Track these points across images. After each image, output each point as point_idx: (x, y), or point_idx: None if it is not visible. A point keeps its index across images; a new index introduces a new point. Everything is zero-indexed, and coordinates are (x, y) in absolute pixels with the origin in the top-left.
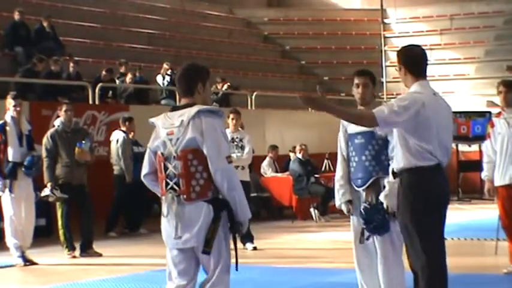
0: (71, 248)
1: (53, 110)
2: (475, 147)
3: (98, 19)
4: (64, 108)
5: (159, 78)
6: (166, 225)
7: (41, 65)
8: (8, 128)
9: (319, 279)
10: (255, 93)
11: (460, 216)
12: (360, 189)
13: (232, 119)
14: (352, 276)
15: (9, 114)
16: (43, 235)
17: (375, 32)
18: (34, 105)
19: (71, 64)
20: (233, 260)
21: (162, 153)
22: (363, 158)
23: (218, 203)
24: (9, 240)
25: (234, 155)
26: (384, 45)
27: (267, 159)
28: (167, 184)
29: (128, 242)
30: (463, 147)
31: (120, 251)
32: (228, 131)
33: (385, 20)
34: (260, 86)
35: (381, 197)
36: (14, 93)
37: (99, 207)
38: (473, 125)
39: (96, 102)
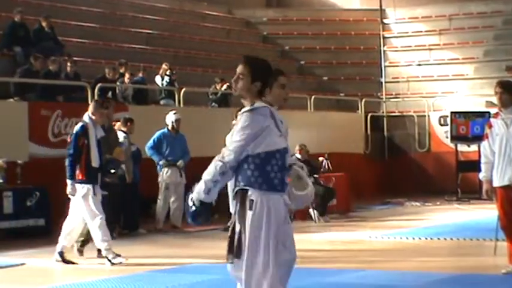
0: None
1: (52, 110)
2: (474, 148)
3: (96, 19)
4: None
5: (157, 79)
6: None
7: (38, 64)
8: (89, 131)
9: (318, 279)
10: None
11: (459, 216)
12: None
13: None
14: (354, 276)
15: (89, 116)
16: (42, 235)
17: (374, 32)
18: (33, 105)
19: (69, 64)
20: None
21: None
22: None
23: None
24: (101, 244)
25: None
26: (383, 46)
27: None
28: None
29: (127, 243)
30: (462, 148)
31: (119, 252)
32: None
33: (384, 20)
34: None
35: None
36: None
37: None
38: (473, 125)
39: None
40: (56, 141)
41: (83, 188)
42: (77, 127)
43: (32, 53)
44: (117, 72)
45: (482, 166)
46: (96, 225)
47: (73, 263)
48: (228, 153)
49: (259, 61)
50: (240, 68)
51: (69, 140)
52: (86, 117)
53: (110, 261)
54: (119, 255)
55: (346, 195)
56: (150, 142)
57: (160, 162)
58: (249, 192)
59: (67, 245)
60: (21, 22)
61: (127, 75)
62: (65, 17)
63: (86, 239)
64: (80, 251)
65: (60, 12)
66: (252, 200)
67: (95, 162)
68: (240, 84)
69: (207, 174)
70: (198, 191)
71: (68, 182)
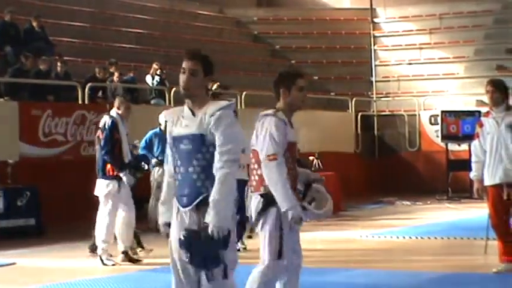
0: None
1: (43, 110)
2: (464, 147)
3: (87, 19)
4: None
5: (148, 78)
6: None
7: (28, 63)
8: (119, 126)
9: (309, 278)
10: (244, 93)
11: (449, 215)
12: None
13: None
14: (345, 275)
15: (116, 112)
16: (33, 235)
17: (365, 32)
18: (23, 105)
19: (59, 64)
20: None
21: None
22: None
23: (268, 197)
24: (100, 243)
25: None
26: (374, 45)
27: None
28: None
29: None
30: (452, 147)
31: (113, 251)
32: None
33: (375, 20)
34: (250, 86)
35: None
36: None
37: (89, 206)
38: (463, 124)
39: (86, 102)
40: (47, 140)
41: (107, 186)
42: (108, 122)
43: (22, 52)
44: (107, 72)
45: (473, 165)
46: (105, 224)
47: (139, 261)
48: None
49: (207, 56)
50: (190, 64)
51: (100, 137)
52: (113, 113)
53: (102, 260)
54: (110, 256)
55: (337, 194)
56: (142, 142)
57: (153, 161)
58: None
59: (127, 244)
60: (12, 22)
61: (116, 74)
62: (56, 16)
63: (93, 243)
64: (92, 250)
65: (50, 11)
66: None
67: (127, 157)
68: (192, 82)
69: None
70: (225, 216)
71: (102, 180)
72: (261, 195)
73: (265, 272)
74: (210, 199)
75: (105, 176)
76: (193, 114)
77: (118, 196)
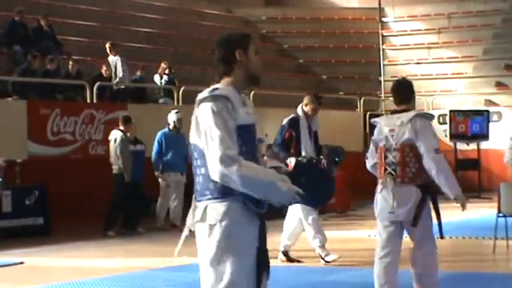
0: None
1: (51, 109)
2: (473, 146)
3: (95, 18)
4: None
5: (156, 77)
6: (382, 201)
7: (36, 63)
8: (300, 122)
9: (316, 278)
10: (252, 92)
11: (457, 215)
12: None
13: None
14: (353, 274)
15: (301, 109)
16: (41, 234)
17: (373, 31)
18: (32, 104)
19: (71, 63)
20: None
21: (384, 146)
22: None
23: (425, 188)
24: (312, 242)
25: None
26: (382, 44)
27: (264, 158)
28: (385, 169)
29: (126, 241)
30: (461, 146)
31: (119, 250)
32: None
33: (383, 19)
34: None
35: None
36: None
37: (97, 206)
38: (471, 124)
39: (94, 101)
40: (55, 139)
41: None
42: (287, 118)
43: (31, 52)
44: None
45: (507, 152)
46: (308, 222)
47: (298, 261)
48: None
49: None
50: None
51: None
52: (298, 109)
53: (323, 259)
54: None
55: (345, 193)
56: (156, 146)
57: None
58: None
59: (290, 244)
60: (21, 21)
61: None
62: (64, 15)
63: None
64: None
65: (59, 11)
66: None
67: (306, 153)
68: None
69: None
70: None
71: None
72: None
73: (436, 252)
74: None
75: None
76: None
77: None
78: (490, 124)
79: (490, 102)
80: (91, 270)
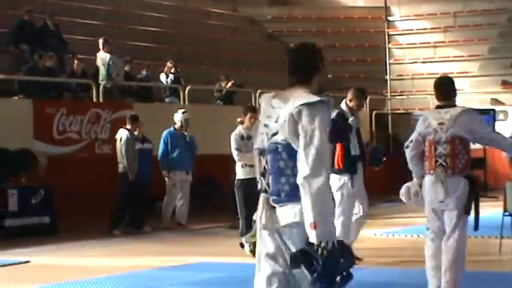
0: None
1: (57, 108)
2: (478, 145)
3: (101, 17)
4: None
5: (162, 76)
6: (432, 190)
7: (42, 62)
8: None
9: None
10: (258, 91)
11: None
12: None
13: (251, 117)
14: (358, 273)
15: (345, 104)
16: (47, 233)
17: (379, 30)
18: (38, 103)
19: (76, 62)
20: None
21: (432, 139)
22: None
23: (472, 179)
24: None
25: (249, 154)
26: (388, 43)
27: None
28: (436, 161)
29: (132, 240)
30: None
31: (124, 249)
32: (240, 128)
33: (389, 18)
34: (264, 84)
35: None
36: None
37: (103, 205)
38: None
39: (101, 100)
40: (61, 138)
41: (339, 180)
42: (333, 115)
43: (37, 51)
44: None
45: None
46: (339, 222)
47: (359, 260)
48: None
49: None
50: None
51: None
52: (342, 105)
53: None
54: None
55: None
56: (162, 145)
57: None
58: None
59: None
60: (30, 21)
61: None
62: (70, 14)
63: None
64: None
65: (65, 9)
66: None
67: (354, 150)
68: None
69: None
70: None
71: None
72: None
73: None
74: None
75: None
76: None
77: (351, 191)
78: (496, 123)
79: (496, 101)
80: (97, 269)
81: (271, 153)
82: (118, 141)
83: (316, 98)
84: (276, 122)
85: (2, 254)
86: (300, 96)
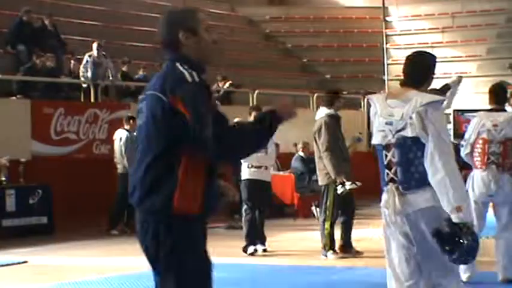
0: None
1: (55, 108)
2: None
3: (99, 17)
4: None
5: None
6: (482, 185)
7: (40, 62)
8: None
9: (321, 277)
10: (256, 91)
11: None
12: None
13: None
14: (357, 274)
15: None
16: (45, 233)
17: (377, 30)
18: (36, 103)
19: (72, 62)
20: None
21: (487, 138)
22: None
23: None
24: None
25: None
26: (386, 43)
27: None
28: (489, 158)
29: (130, 240)
30: None
31: (122, 249)
32: None
33: (387, 18)
34: (262, 84)
35: None
36: None
37: (101, 205)
38: None
39: (99, 100)
40: (59, 139)
41: None
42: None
43: (35, 51)
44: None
45: None
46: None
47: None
48: None
49: None
50: None
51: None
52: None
53: None
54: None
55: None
56: None
57: None
58: None
59: None
60: (28, 21)
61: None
62: (68, 15)
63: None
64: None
65: (62, 10)
66: None
67: None
68: None
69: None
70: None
71: None
72: None
73: None
74: None
75: None
76: None
77: None
78: None
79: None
80: (95, 269)
81: (398, 147)
82: (117, 141)
83: (438, 98)
84: (401, 119)
85: (0, 254)
86: (423, 96)
